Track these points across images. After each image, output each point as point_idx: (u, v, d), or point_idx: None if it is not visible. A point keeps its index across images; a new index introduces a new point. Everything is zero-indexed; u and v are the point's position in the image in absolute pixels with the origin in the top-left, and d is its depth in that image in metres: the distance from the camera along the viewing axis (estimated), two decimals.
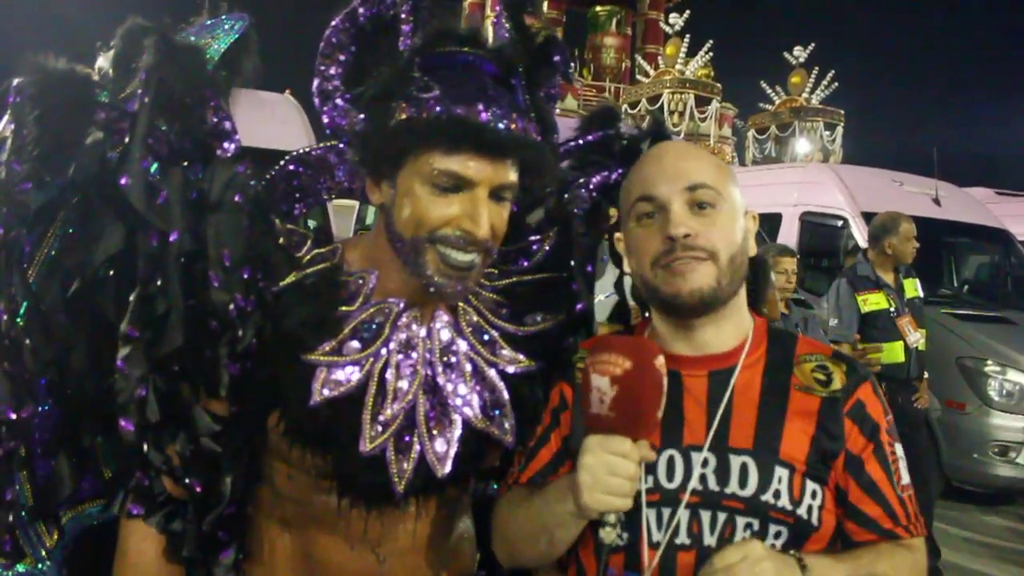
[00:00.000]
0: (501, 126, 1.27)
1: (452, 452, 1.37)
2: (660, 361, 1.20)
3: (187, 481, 1.34)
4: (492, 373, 1.43)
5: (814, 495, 1.27)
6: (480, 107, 1.26)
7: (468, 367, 1.42)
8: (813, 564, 1.21)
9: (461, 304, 1.46)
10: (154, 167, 1.29)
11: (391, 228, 1.34)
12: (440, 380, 1.39)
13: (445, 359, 1.41)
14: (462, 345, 1.43)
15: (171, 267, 1.27)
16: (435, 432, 1.37)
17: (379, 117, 1.30)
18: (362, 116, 1.33)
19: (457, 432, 1.38)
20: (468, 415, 1.39)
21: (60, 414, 1.38)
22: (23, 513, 1.40)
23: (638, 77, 28.04)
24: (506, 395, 1.42)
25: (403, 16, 1.35)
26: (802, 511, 1.26)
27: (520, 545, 1.39)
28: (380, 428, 1.33)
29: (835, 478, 1.29)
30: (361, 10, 1.36)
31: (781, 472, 1.27)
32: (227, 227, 1.29)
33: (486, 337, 1.45)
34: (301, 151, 1.55)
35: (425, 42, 1.32)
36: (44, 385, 1.36)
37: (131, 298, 1.26)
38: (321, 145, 1.55)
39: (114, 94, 1.32)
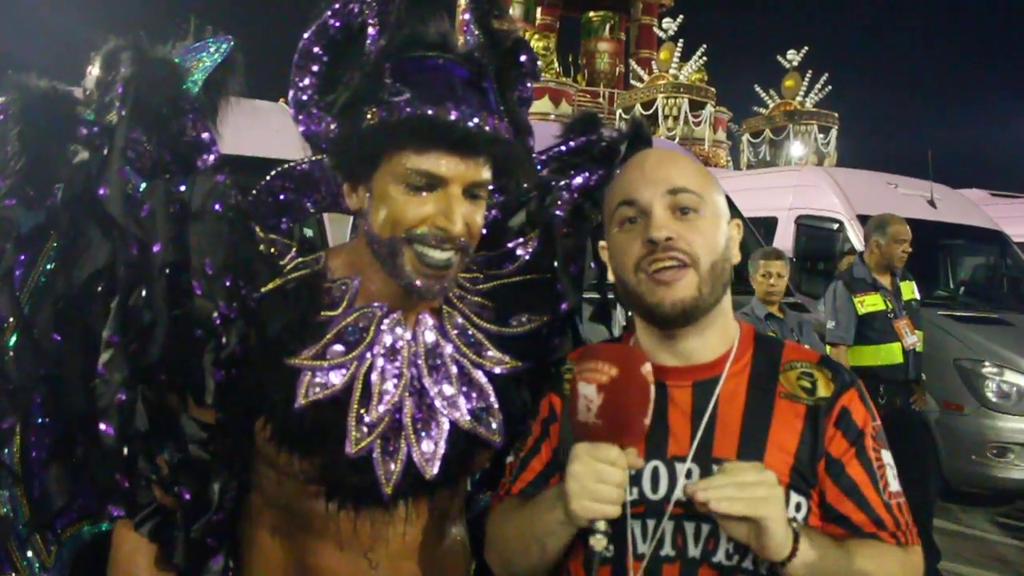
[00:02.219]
0: (471, 123, 1.28)
1: (440, 453, 1.37)
2: (647, 369, 1.20)
3: (176, 489, 1.35)
4: (478, 374, 1.43)
5: (798, 507, 1.25)
6: (450, 105, 1.28)
7: (454, 369, 1.42)
8: (805, 534, 1.19)
9: (446, 307, 1.47)
10: (141, 186, 1.30)
11: (369, 231, 1.35)
12: (426, 382, 1.39)
13: (430, 361, 1.41)
14: (447, 347, 1.43)
15: (155, 278, 1.29)
16: (422, 434, 1.37)
17: (352, 122, 1.32)
18: (334, 125, 1.35)
19: (444, 433, 1.38)
20: (455, 416, 1.39)
21: (54, 427, 1.38)
22: (20, 527, 1.39)
23: (632, 82, 28.11)
24: (493, 396, 1.43)
25: (370, 21, 1.36)
26: None
27: (513, 556, 1.38)
28: (366, 430, 1.33)
29: (819, 485, 1.27)
30: (331, 22, 1.37)
31: None
32: (208, 236, 1.31)
33: (472, 339, 1.46)
34: (286, 167, 1.56)
35: (396, 48, 1.32)
36: (38, 402, 1.36)
37: (112, 305, 1.27)
38: (305, 160, 1.56)
39: (99, 113, 1.34)
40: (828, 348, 5.18)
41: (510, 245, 1.61)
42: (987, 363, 6.27)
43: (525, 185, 1.65)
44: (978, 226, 8.36)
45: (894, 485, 1.30)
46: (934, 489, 5.89)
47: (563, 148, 1.74)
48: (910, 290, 5.37)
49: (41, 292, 1.34)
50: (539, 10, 30.22)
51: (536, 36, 26.93)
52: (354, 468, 1.33)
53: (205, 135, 1.37)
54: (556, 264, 1.59)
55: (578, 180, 1.69)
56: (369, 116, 1.29)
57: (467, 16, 1.39)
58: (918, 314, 5.37)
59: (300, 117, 1.38)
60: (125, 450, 1.30)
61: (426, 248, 1.31)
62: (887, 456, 1.32)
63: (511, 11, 29.77)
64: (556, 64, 26.94)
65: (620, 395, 1.17)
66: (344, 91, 1.35)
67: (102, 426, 1.27)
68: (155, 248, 1.29)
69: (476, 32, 1.40)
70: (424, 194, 1.30)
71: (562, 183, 1.68)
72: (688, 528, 1.27)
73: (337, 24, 1.37)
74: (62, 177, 1.30)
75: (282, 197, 1.57)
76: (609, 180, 1.65)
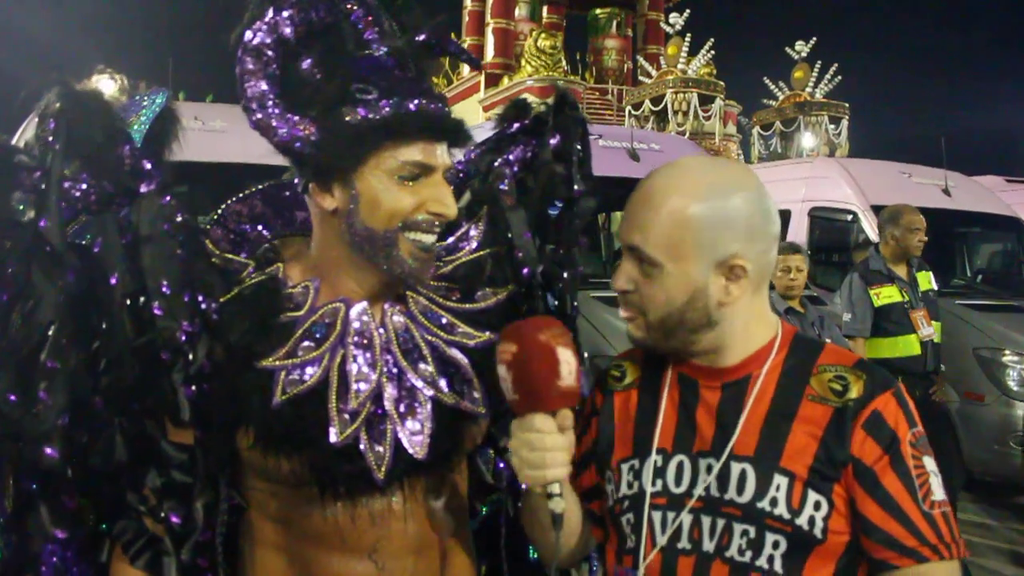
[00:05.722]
0: (445, 113, 1.38)
1: (427, 431, 1.37)
2: (548, 333, 1.24)
3: (163, 515, 1.35)
4: (453, 351, 1.43)
5: (817, 506, 1.24)
6: (424, 100, 1.36)
7: (427, 350, 1.43)
8: None
9: (409, 293, 1.48)
10: (82, 221, 1.33)
11: (356, 228, 1.36)
12: (402, 365, 1.40)
13: (403, 345, 1.42)
14: (418, 330, 1.44)
15: (116, 309, 1.32)
16: (406, 415, 1.38)
17: (330, 123, 1.33)
18: (312, 128, 1.34)
19: (428, 412, 1.38)
20: (436, 393, 1.40)
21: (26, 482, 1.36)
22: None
23: (640, 78, 28.07)
24: (471, 369, 1.43)
25: (360, 18, 1.38)
26: (802, 521, 1.23)
27: (532, 536, 1.45)
28: (348, 418, 1.33)
29: (846, 490, 1.25)
30: (282, 20, 1.35)
31: (780, 480, 1.24)
32: (161, 257, 1.33)
33: (441, 320, 1.47)
34: (241, 196, 1.58)
35: (352, 48, 1.37)
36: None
37: (50, 332, 1.28)
38: (255, 188, 1.57)
39: (40, 159, 1.34)
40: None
41: (461, 227, 1.62)
42: (1007, 351, 6.20)
43: (467, 169, 1.72)
44: (994, 213, 8.29)
45: (938, 494, 1.24)
46: (957, 481, 5.85)
47: (500, 137, 1.78)
48: (927, 280, 5.34)
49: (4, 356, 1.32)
50: (545, 9, 30.24)
51: (543, 35, 26.94)
52: (342, 457, 1.32)
53: (146, 163, 1.38)
54: (509, 234, 1.61)
55: (512, 155, 1.74)
56: (348, 117, 1.32)
57: (374, 13, 1.40)
58: (936, 304, 5.34)
59: (273, 122, 1.35)
60: (69, 472, 1.32)
61: (420, 234, 1.36)
62: (930, 463, 1.26)
63: (517, 11, 29.80)
64: (564, 62, 26.93)
65: (523, 367, 1.22)
66: (314, 93, 1.35)
67: (47, 450, 1.28)
68: (112, 280, 1.31)
69: (395, 25, 1.43)
70: (413, 183, 1.35)
71: (499, 161, 1.73)
72: (705, 522, 1.28)
73: (292, 24, 1.36)
74: (7, 232, 1.31)
75: (238, 229, 1.57)
76: (543, 149, 1.71)
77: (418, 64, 1.43)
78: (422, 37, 1.47)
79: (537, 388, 1.22)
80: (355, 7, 1.39)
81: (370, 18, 1.39)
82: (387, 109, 1.32)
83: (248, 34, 1.35)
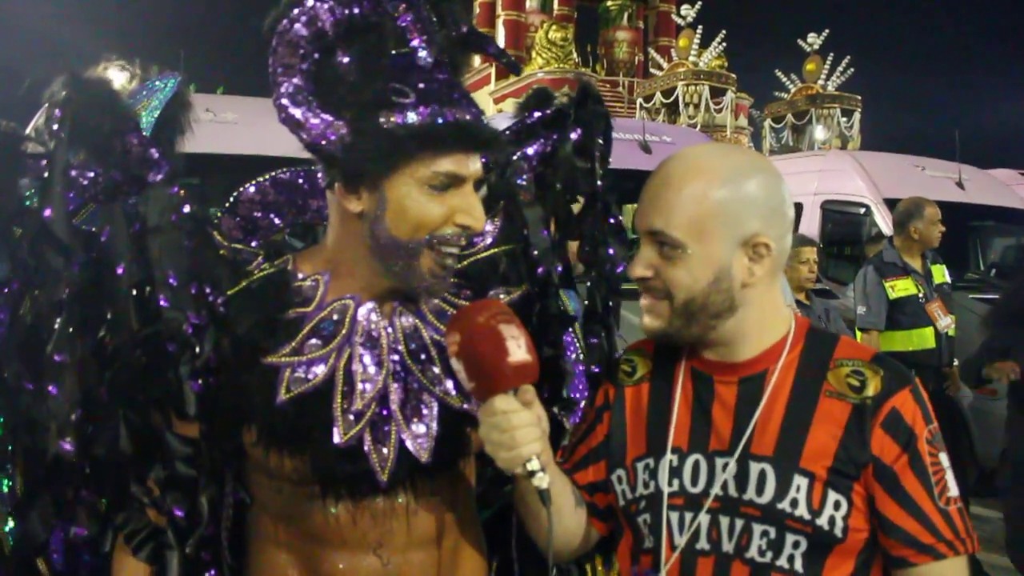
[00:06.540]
0: (481, 124, 1.34)
1: (432, 433, 1.36)
2: (487, 313, 1.25)
3: (166, 508, 1.35)
4: None
5: (837, 505, 1.23)
6: (461, 108, 1.31)
7: (435, 350, 1.41)
8: None
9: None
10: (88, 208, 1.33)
11: (379, 235, 1.32)
12: (410, 366, 1.39)
13: (411, 346, 1.40)
14: (427, 330, 1.42)
15: (123, 299, 1.31)
16: (412, 417, 1.36)
17: (364, 126, 1.28)
18: (345, 129, 1.29)
19: (434, 413, 1.37)
20: (443, 395, 1.38)
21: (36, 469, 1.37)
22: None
23: (652, 70, 27.98)
24: None
25: (406, 18, 1.33)
26: (822, 521, 1.23)
27: (529, 528, 1.44)
28: (352, 419, 1.32)
29: (865, 488, 1.24)
30: (326, 16, 1.30)
31: (800, 480, 1.24)
32: (168, 248, 1.33)
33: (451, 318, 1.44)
34: (258, 182, 1.56)
35: (389, 46, 1.32)
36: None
37: (56, 325, 1.28)
38: (269, 176, 1.56)
39: (48, 146, 1.34)
40: (859, 334, 5.13)
41: None
42: None
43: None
44: (1008, 206, 8.24)
45: (952, 490, 1.26)
46: (970, 476, 5.82)
47: (520, 126, 1.74)
48: (941, 274, 5.33)
49: (12, 339, 1.34)
50: (556, 1, 30.16)
51: (554, 27, 26.89)
52: (345, 458, 1.31)
53: (153, 152, 1.36)
54: (526, 231, 1.58)
55: (531, 150, 1.70)
56: (383, 119, 1.27)
57: (415, 13, 1.35)
58: (950, 298, 5.32)
59: (306, 120, 1.30)
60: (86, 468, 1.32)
61: (448, 247, 1.33)
62: (944, 459, 1.27)
63: (528, 3, 29.74)
64: (575, 54, 26.87)
65: (471, 353, 1.23)
66: (350, 92, 1.30)
67: (64, 445, 1.28)
68: (119, 270, 1.31)
69: (435, 23, 1.38)
70: (443, 193, 1.31)
71: (517, 155, 1.69)
72: (723, 522, 1.27)
73: (331, 19, 1.31)
74: (16, 219, 1.32)
75: (250, 216, 1.55)
76: (564, 143, 1.68)
77: (454, 60, 1.40)
78: (463, 31, 1.43)
79: (489, 370, 1.22)
80: (402, 8, 1.33)
81: (418, 25, 1.33)
82: (424, 117, 1.28)
83: (284, 23, 1.30)
